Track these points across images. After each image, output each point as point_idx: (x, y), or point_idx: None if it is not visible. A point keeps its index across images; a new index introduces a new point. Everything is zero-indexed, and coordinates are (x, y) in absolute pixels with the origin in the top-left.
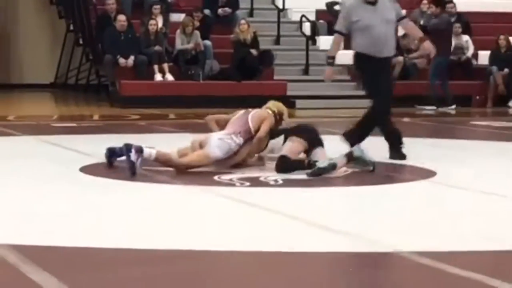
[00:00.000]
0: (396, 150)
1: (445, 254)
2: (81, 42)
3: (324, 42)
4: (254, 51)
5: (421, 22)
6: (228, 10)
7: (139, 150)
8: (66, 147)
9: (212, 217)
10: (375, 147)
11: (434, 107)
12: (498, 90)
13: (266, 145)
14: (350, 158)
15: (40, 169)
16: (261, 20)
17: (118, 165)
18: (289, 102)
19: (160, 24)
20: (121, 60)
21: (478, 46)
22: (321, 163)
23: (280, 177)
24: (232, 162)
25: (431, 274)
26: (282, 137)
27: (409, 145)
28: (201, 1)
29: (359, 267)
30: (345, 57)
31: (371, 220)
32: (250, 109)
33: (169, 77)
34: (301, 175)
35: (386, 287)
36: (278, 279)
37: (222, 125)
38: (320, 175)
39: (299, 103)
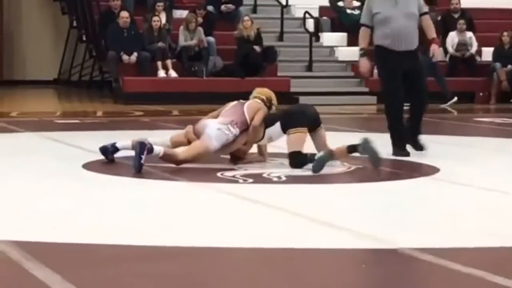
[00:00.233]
0: (399, 147)
1: (448, 251)
2: (84, 38)
3: (328, 38)
4: (257, 48)
5: None
6: (231, 6)
7: (150, 151)
8: (69, 143)
9: (215, 214)
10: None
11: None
12: (501, 86)
13: (264, 134)
14: (352, 149)
15: (43, 166)
16: (264, 16)
17: (121, 161)
18: (293, 98)
19: (163, 21)
20: (125, 57)
21: (482, 43)
22: (318, 154)
23: (283, 173)
24: (228, 150)
25: (433, 270)
26: (278, 124)
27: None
28: None
29: (362, 263)
30: (348, 53)
31: (374, 217)
32: (242, 100)
33: (173, 74)
34: (304, 172)
35: (389, 284)
36: (281, 275)
37: (214, 116)
38: (323, 165)
39: (302, 99)
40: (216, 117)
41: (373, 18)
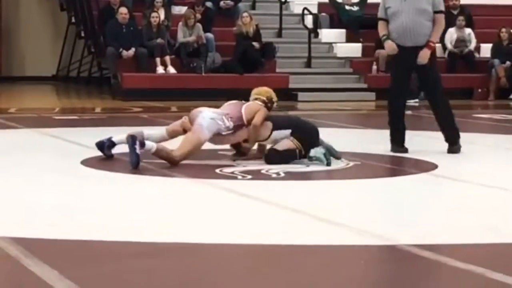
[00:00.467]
0: (397, 144)
1: (446, 247)
2: (83, 34)
3: (326, 35)
4: (256, 44)
5: None
6: (230, 2)
7: (142, 144)
8: (67, 139)
9: (213, 210)
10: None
11: None
12: (500, 83)
13: (270, 135)
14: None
15: (41, 162)
16: (263, 12)
17: (119, 157)
18: (291, 94)
19: (162, 17)
20: (124, 53)
21: (480, 39)
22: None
23: (282, 170)
24: (222, 141)
25: (432, 267)
26: (287, 131)
27: (411, 138)
28: None
29: (360, 260)
30: (347, 49)
31: (373, 213)
32: (244, 101)
33: (171, 70)
34: (302, 168)
35: (388, 280)
36: (279, 271)
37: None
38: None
39: (301, 95)
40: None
41: (386, 12)
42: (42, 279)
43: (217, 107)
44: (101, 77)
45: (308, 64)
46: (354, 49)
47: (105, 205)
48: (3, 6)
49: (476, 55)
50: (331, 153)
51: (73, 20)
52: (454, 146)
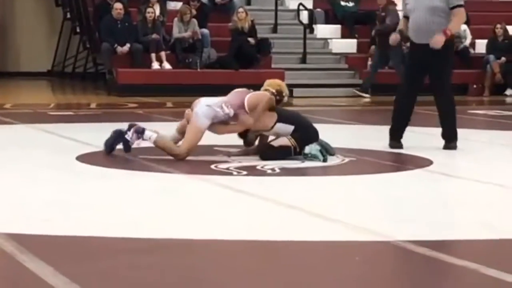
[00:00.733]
0: (395, 139)
1: (441, 243)
2: (78, 30)
3: (322, 30)
4: (251, 40)
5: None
6: None
7: (140, 131)
8: (63, 135)
9: (209, 206)
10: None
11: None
12: (495, 79)
13: (273, 126)
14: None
15: (36, 158)
16: (258, 8)
17: (115, 153)
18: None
19: (157, 13)
20: (119, 48)
21: (475, 35)
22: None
23: (277, 166)
24: (222, 129)
25: (427, 263)
26: (290, 127)
27: (406, 133)
28: None
29: (356, 256)
30: (342, 45)
31: (368, 209)
32: (251, 90)
33: (167, 66)
34: (298, 164)
35: (383, 276)
36: (275, 268)
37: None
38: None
39: (296, 91)
40: None
41: (406, 9)
42: (37, 275)
43: None
44: (96, 73)
45: (303, 60)
46: (349, 45)
47: (101, 201)
48: None
49: (471, 51)
50: (326, 150)
51: (68, 15)
52: (450, 143)
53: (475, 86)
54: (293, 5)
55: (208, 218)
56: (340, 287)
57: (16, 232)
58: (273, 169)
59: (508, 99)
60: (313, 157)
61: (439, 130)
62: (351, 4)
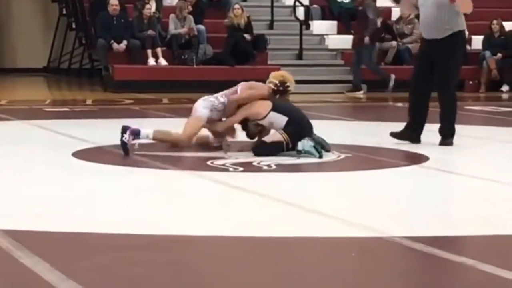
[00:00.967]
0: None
1: (438, 239)
2: (74, 26)
3: (318, 26)
4: (247, 36)
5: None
6: None
7: (135, 133)
8: (58, 131)
9: (205, 202)
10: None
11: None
12: (491, 75)
13: (267, 115)
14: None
15: (32, 154)
16: (254, 4)
17: (111, 150)
18: None
19: (153, 9)
20: (115, 45)
21: (472, 31)
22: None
23: (273, 162)
24: (229, 122)
25: (423, 259)
26: (285, 118)
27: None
28: None
29: (352, 252)
30: (338, 41)
31: (364, 205)
32: (254, 82)
33: (163, 62)
34: (294, 160)
35: (379, 273)
36: (271, 263)
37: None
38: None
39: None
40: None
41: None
42: (33, 271)
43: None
44: (92, 69)
45: (299, 56)
46: (346, 41)
47: (97, 197)
48: None
49: (468, 47)
50: (322, 146)
51: (64, 11)
52: (446, 139)
53: (471, 82)
54: (289, 1)
55: (204, 214)
56: (336, 282)
57: (12, 228)
58: (269, 165)
59: (504, 95)
60: (307, 153)
61: (437, 126)
62: (347, 0)
